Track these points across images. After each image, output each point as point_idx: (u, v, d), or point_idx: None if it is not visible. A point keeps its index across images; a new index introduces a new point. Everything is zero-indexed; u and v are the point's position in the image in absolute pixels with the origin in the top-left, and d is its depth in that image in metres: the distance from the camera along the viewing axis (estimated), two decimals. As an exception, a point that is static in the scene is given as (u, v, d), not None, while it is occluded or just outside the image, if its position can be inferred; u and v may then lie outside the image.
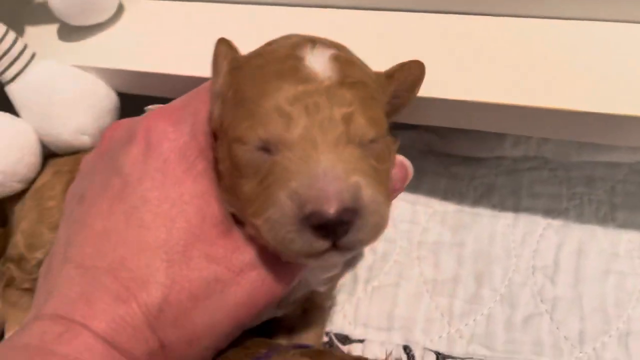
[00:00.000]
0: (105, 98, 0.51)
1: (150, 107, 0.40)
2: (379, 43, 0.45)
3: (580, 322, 0.45)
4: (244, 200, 0.31)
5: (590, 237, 0.48)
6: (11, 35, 0.48)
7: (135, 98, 0.52)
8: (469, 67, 0.42)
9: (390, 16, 0.47)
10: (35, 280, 0.47)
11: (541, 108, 0.39)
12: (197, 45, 0.48)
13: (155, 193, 0.32)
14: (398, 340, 0.47)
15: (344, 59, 0.33)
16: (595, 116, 0.39)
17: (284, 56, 0.33)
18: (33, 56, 0.49)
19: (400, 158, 0.36)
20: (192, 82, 0.46)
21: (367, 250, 0.52)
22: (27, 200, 0.50)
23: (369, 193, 0.29)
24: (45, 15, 0.53)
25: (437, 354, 0.45)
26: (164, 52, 0.49)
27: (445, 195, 0.53)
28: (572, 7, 0.43)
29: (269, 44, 0.35)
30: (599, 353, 0.43)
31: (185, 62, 0.47)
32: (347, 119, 0.30)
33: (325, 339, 0.48)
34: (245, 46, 0.36)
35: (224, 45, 0.35)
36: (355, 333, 0.48)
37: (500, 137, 0.53)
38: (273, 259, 0.32)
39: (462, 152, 0.54)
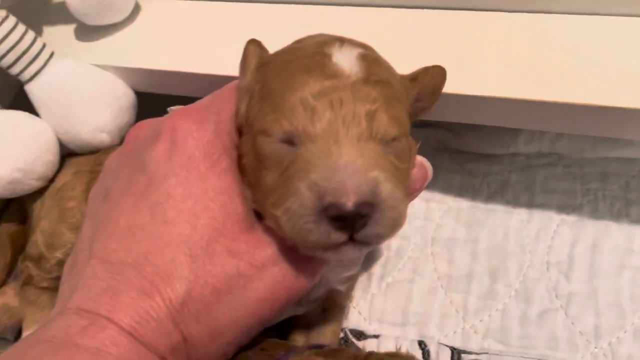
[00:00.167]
0: (123, 96, 0.51)
1: (173, 107, 0.41)
2: (395, 40, 0.45)
3: (596, 317, 0.45)
4: (265, 192, 0.32)
5: (604, 232, 0.48)
6: (30, 34, 0.48)
7: (152, 96, 0.52)
8: (483, 62, 0.43)
9: (404, 13, 0.48)
10: (54, 279, 0.48)
11: (555, 102, 0.40)
12: (214, 44, 0.49)
13: (180, 189, 0.32)
14: (413, 335, 0.47)
15: (370, 58, 0.34)
16: (609, 110, 0.39)
17: (311, 53, 0.33)
18: (52, 55, 0.49)
19: (420, 159, 0.37)
20: (209, 80, 0.46)
21: (382, 247, 0.52)
22: (47, 199, 0.51)
23: (387, 188, 0.29)
24: (63, 16, 0.54)
25: (452, 349, 0.46)
26: (181, 50, 0.50)
27: (460, 191, 0.53)
28: (587, 2, 0.43)
29: (297, 42, 0.36)
30: (615, 348, 0.44)
31: (202, 60, 0.48)
32: (371, 116, 0.31)
33: (341, 334, 0.48)
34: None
35: (253, 45, 0.36)
36: (370, 329, 0.49)
37: (514, 133, 0.53)
38: (295, 255, 0.33)
39: (476, 148, 0.55)
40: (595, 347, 0.44)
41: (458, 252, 0.50)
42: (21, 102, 0.52)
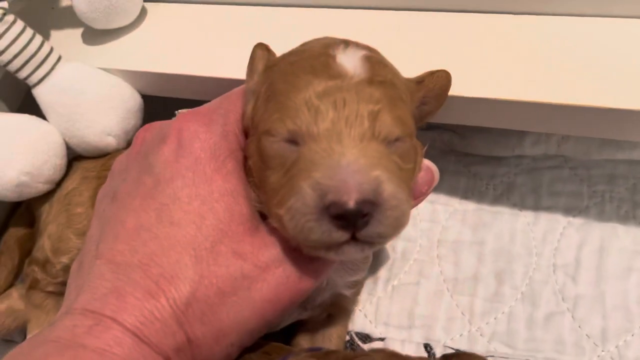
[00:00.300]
0: (130, 99, 0.52)
1: (181, 110, 0.41)
2: (401, 43, 0.45)
3: (603, 320, 0.45)
4: (270, 191, 0.32)
5: (611, 235, 0.48)
6: (38, 38, 0.49)
7: (159, 100, 0.53)
8: (489, 64, 0.43)
9: (410, 16, 0.48)
10: (59, 284, 0.49)
11: (561, 105, 0.40)
12: (220, 47, 0.49)
13: (186, 191, 0.33)
14: (419, 338, 0.47)
15: (375, 59, 0.34)
16: (616, 112, 0.39)
17: (316, 54, 0.34)
18: (59, 59, 0.50)
19: (427, 162, 0.37)
20: (215, 83, 0.47)
21: (388, 249, 0.52)
22: (55, 204, 0.51)
23: (390, 188, 0.30)
24: (70, 20, 0.54)
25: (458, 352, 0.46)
26: (187, 53, 0.50)
27: (465, 194, 0.53)
28: (593, 4, 0.43)
29: (303, 44, 0.37)
30: (622, 352, 0.43)
31: (209, 63, 0.48)
32: (374, 116, 0.31)
33: (347, 338, 0.48)
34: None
35: (261, 49, 0.37)
36: (376, 332, 0.49)
37: (520, 135, 0.53)
38: (299, 256, 0.33)
39: (481, 151, 0.54)
40: (603, 351, 0.44)
41: (464, 254, 0.50)
42: (29, 105, 0.52)
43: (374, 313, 0.50)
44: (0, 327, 0.51)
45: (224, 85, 0.43)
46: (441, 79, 0.38)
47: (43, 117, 0.51)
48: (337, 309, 0.46)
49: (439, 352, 0.46)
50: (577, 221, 0.49)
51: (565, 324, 0.45)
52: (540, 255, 0.49)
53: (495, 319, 0.47)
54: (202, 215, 0.32)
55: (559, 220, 0.50)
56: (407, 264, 0.51)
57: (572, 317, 0.45)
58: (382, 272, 0.51)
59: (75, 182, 0.51)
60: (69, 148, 0.52)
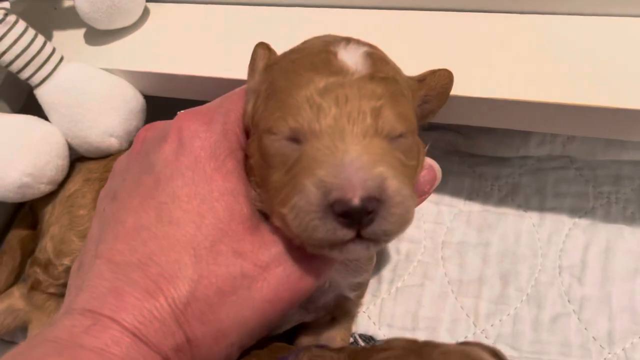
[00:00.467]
0: (132, 100, 0.52)
1: (182, 111, 0.41)
2: (403, 42, 0.45)
3: (609, 322, 0.44)
4: (272, 190, 0.32)
5: (617, 236, 0.47)
6: (40, 39, 0.49)
7: (161, 100, 0.52)
8: (493, 64, 0.42)
9: (413, 15, 0.47)
10: (61, 285, 0.49)
11: (566, 104, 0.39)
12: (222, 47, 0.49)
13: (186, 190, 0.32)
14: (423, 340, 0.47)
15: (376, 56, 0.34)
16: (621, 112, 0.38)
17: (317, 51, 0.33)
18: (61, 59, 0.50)
19: (429, 161, 0.37)
20: (217, 84, 0.46)
21: (391, 251, 0.52)
22: (58, 206, 0.51)
23: (394, 184, 0.29)
24: (72, 20, 0.54)
25: (463, 354, 0.45)
26: (190, 54, 0.50)
27: (470, 195, 0.53)
28: (598, 3, 0.43)
29: (305, 42, 0.36)
30: (629, 354, 0.43)
31: (211, 63, 0.48)
32: (376, 112, 0.31)
33: (350, 339, 0.48)
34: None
35: (262, 48, 0.36)
36: (379, 333, 0.48)
37: (524, 136, 0.52)
38: (299, 255, 0.33)
39: (486, 151, 0.54)
40: (609, 353, 0.43)
41: (469, 256, 0.50)
42: (31, 106, 0.52)
43: (377, 315, 0.49)
44: (0, 327, 0.51)
45: (226, 86, 0.43)
46: (443, 77, 0.37)
47: (45, 117, 0.51)
48: (341, 312, 0.46)
49: (443, 354, 0.45)
50: (583, 222, 0.49)
51: (571, 326, 0.45)
52: (546, 257, 0.48)
53: (500, 320, 0.46)
54: (201, 215, 0.32)
55: (565, 222, 0.49)
56: (411, 266, 0.51)
57: (578, 318, 0.45)
58: (386, 274, 0.51)
59: (77, 184, 0.51)
60: (71, 149, 0.52)
